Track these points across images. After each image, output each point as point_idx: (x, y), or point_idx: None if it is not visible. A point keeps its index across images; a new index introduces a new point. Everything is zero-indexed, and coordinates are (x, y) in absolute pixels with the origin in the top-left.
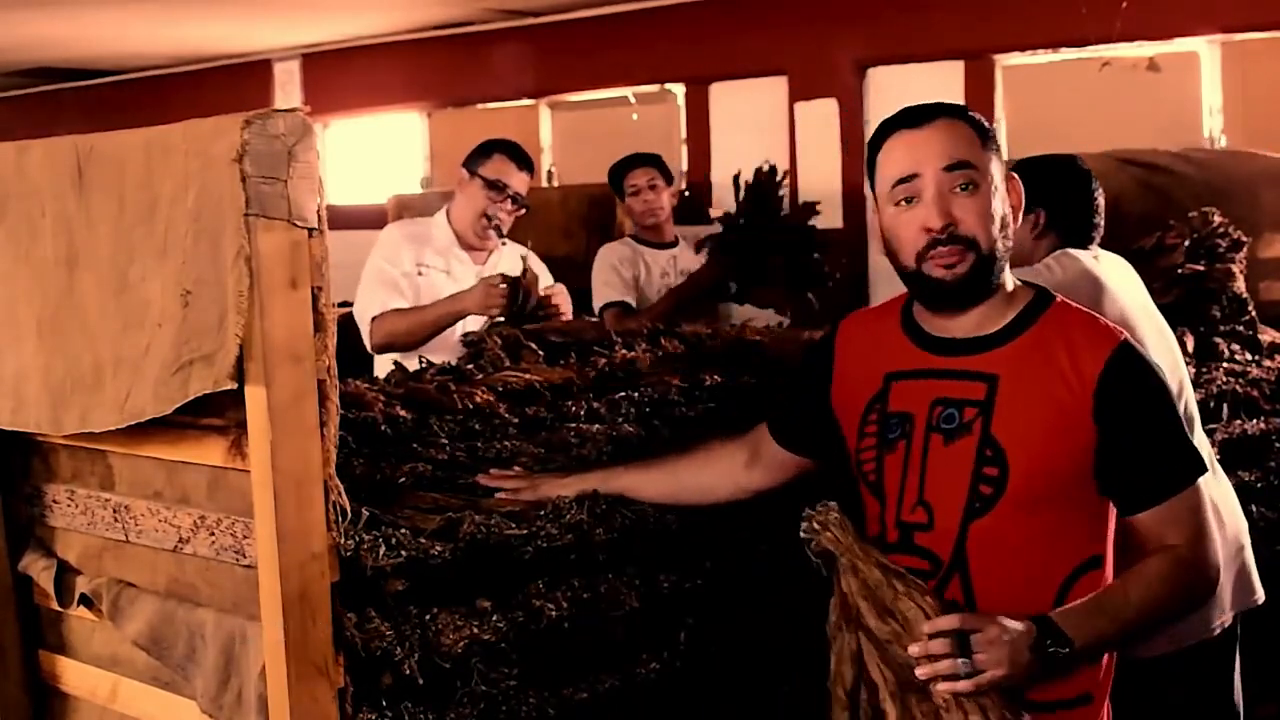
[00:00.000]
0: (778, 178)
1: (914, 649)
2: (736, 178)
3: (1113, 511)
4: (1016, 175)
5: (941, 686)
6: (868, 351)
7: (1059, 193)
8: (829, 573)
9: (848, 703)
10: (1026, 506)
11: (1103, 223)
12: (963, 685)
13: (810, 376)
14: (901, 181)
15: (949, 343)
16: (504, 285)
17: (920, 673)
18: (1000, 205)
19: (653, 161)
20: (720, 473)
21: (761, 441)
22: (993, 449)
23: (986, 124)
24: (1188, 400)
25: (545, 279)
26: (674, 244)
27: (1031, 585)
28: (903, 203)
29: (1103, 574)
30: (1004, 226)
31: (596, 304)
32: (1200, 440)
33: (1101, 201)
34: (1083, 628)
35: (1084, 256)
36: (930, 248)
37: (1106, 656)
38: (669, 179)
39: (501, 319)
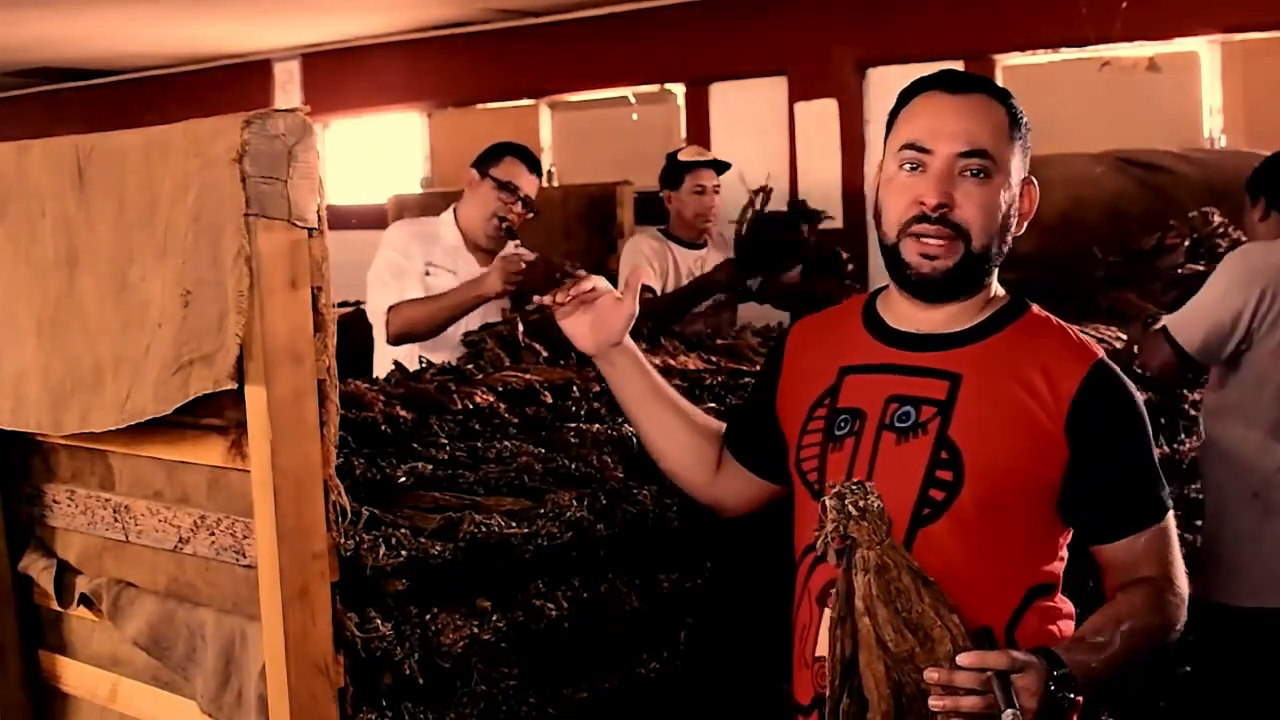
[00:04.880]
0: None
1: (932, 675)
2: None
3: (1065, 537)
4: (1034, 182)
5: None
6: (822, 348)
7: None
8: (840, 561)
9: (833, 709)
10: (980, 517)
11: None
12: None
13: (761, 381)
14: (913, 147)
15: (912, 337)
16: (524, 260)
17: (937, 704)
18: (1007, 203)
19: (724, 169)
20: (696, 459)
21: (723, 452)
22: (949, 451)
23: (1024, 119)
24: None
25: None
26: (703, 245)
27: (983, 608)
28: (906, 167)
29: (1054, 601)
30: (1005, 227)
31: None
32: None
33: None
34: (1086, 668)
35: None
36: (915, 221)
37: None
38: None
39: (504, 321)
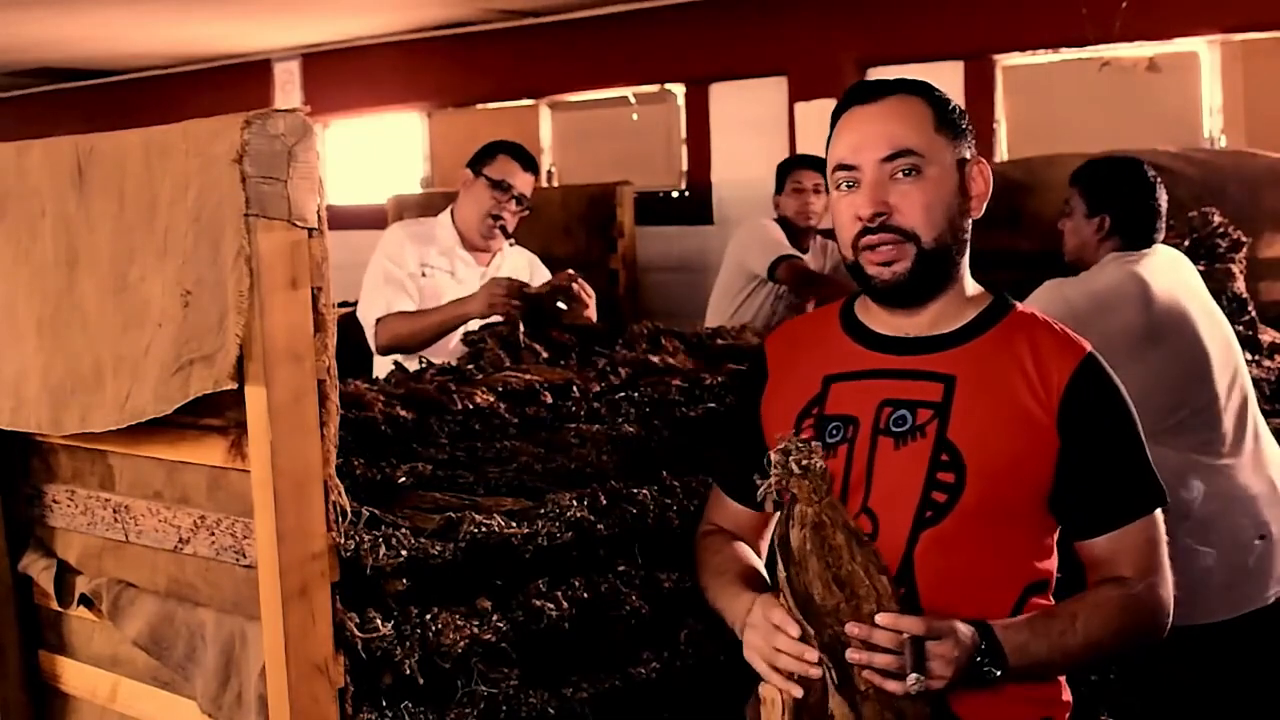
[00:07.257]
0: None
1: (853, 629)
2: None
3: (1056, 534)
4: (984, 161)
5: (870, 677)
6: (803, 357)
7: (1125, 198)
8: (779, 509)
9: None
10: (981, 517)
11: (1164, 223)
12: (894, 687)
13: (743, 406)
14: (843, 167)
15: (900, 341)
16: (509, 288)
17: (854, 657)
18: (950, 192)
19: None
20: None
21: (735, 517)
22: (949, 453)
23: (950, 104)
24: (1245, 388)
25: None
26: (805, 250)
27: (984, 606)
28: (843, 186)
29: (1047, 599)
30: (957, 215)
31: (764, 263)
32: (1261, 423)
33: (1165, 203)
34: (1024, 649)
35: (1131, 259)
36: (862, 235)
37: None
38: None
39: (504, 321)
